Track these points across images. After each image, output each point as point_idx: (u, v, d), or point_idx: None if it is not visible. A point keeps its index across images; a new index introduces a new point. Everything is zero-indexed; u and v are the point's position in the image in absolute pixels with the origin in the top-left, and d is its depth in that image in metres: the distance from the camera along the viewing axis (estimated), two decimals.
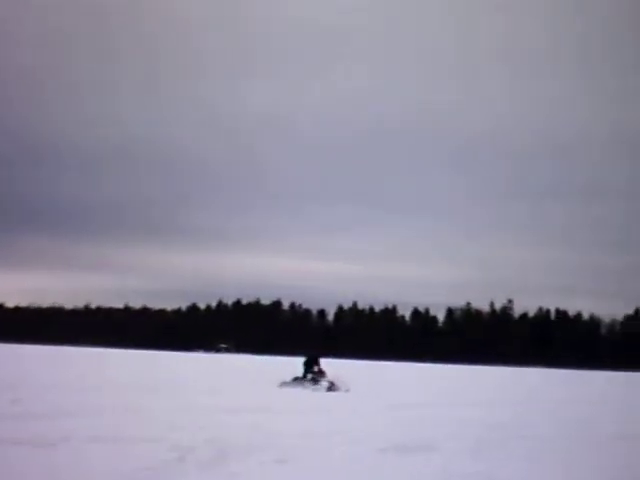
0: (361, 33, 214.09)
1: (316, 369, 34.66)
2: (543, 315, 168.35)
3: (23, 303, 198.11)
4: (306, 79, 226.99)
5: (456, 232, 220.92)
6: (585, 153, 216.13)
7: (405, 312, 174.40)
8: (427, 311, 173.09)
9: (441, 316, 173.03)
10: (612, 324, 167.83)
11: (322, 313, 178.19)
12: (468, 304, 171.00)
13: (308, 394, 29.64)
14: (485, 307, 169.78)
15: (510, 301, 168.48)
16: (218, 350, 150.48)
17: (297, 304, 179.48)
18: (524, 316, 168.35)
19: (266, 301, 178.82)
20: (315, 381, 33.56)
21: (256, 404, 22.49)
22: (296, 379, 33.97)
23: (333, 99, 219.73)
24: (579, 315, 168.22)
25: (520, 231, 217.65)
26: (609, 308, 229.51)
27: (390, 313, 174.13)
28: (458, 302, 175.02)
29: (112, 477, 10.09)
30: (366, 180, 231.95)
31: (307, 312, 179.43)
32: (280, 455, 12.23)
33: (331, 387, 32.31)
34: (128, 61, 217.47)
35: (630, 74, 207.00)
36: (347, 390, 31.78)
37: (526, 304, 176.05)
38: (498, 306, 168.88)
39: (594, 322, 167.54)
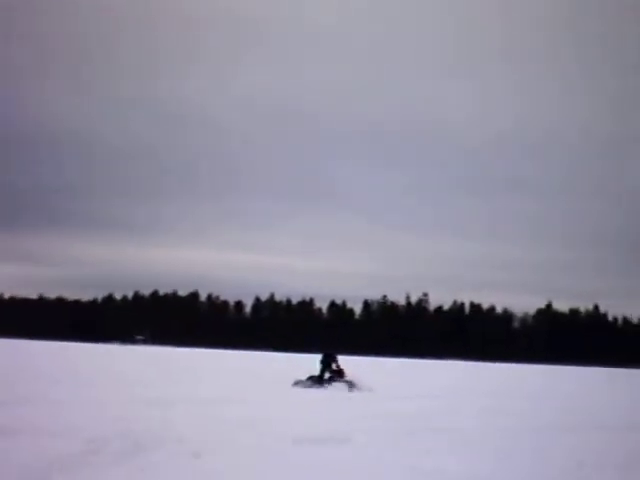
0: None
1: (334, 367, 31.85)
2: (457, 308, 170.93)
3: None
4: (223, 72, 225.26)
5: (373, 226, 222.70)
6: (504, 149, 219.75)
7: (322, 304, 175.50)
8: (344, 303, 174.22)
9: (358, 309, 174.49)
10: (524, 318, 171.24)
11: (239, 305, 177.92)
12: (384, 297, 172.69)
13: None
14: (401, 300, 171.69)
15: (425, 294, 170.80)
16: (134, 342, 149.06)
17: (214, 295, 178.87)
18: (439, 309, 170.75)
19: (183, 292, 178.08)
20: (332, 380, 31.12)
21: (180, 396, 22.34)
22: (311, 378, 31.50)
23: (247, 88, 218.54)
24: (492, 309, 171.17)
25: (436, 226, 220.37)
26: (522, 302, 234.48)
27: (307, 305, 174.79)
28: (375, 295, 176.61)
29: (22, 470, 9.93)
30: (286, 173, 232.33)
31: (225, 303, 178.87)
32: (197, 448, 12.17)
33: (351, 386, 30.12)
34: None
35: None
36: (370, 390, 29.49)
37: (441, 298, 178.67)
38: (414, 299, 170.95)
39: (507, 316, 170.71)
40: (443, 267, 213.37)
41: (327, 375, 31.56)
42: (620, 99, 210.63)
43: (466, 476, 10.92)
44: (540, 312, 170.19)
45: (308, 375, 31.64)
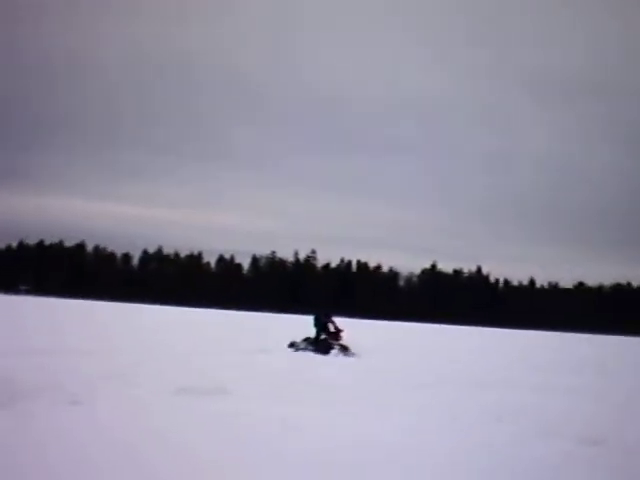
0: None
1: (332, 328, 29.11)
2: (345, 266, 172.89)
3: None
4: None
5: (263, 182, 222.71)
6: (391, 110, 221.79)
7: (210, 259, 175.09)
8: (232, 258, 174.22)
9: (246, 264, 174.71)
10: (410, 277, 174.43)
11: (127, 257, 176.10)
12: (273, 253, 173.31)
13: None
14: (289, 257, 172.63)
15: (314, 252, 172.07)
16: (18, 292, 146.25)
17: (101, 247, 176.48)
18: (327, 267, 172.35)
19: (69, 243, 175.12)
20: (328, 344, 28.47)
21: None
22: (307, 340, 28.94)
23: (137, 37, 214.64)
24: (379, 267, 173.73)
25: (325, 184, 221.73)
26: (408, 261, 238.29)
27: (195, 259, 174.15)
28: (263, 251, 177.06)
29: None
30: (178, 128, 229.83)
31: (112, 255, 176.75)
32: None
33: (346, 352, 27.84)
34: None
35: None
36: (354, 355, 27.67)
37: (329, 256, 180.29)
38: (302, 256, 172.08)
39: (392, 274, 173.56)
40: (330, 226, 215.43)
41: (323, 336, 29.04)
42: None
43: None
44: (425, 272, 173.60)
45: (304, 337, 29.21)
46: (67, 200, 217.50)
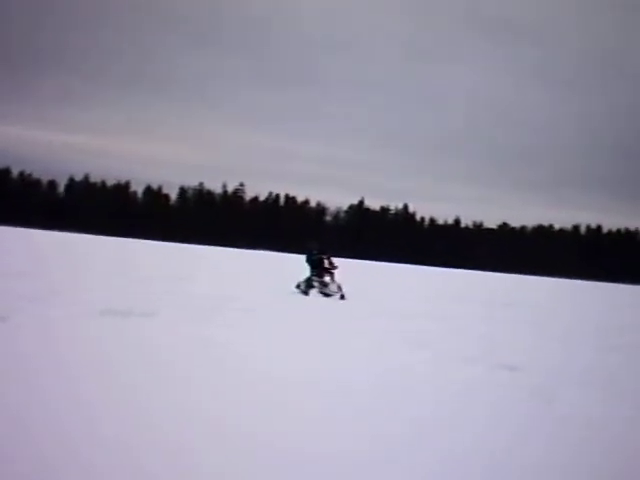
0: None
1: (326, 264, 26.86)
2: (273, 200, 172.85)
3: None
4: None
5: (194, 113, 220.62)
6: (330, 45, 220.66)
7: (138, 188, 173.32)
8: (160, 189, 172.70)
9: (174, 195, 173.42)
10: (337, 213, 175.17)
11: (53, 184, 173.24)
12: (201, 184, 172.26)
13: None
14: (218, 189, 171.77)
15: (242, 184, 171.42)
16: None
17: (27, 173, 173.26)
18: (255, 200, 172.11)
19: None
20: (324, 285, 26.38)
21: None
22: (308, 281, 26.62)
23: None
24: (306, 202, 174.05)
25: (254, 116, 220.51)
26: (337, 197, 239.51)
27: (122, 188, 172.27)
28: (191, 183, 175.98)
29: None
30: (113, 52, 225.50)
31: (37, 182, 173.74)
32: None
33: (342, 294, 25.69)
34: None
35: None
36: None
37: (257, 189, 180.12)
38: (230, 189, 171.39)
39: (320, 209, 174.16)
40: (259, 159, 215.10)
41: (318, 278, 26.66)
42: None
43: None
44: (352, 208, 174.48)
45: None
46: None
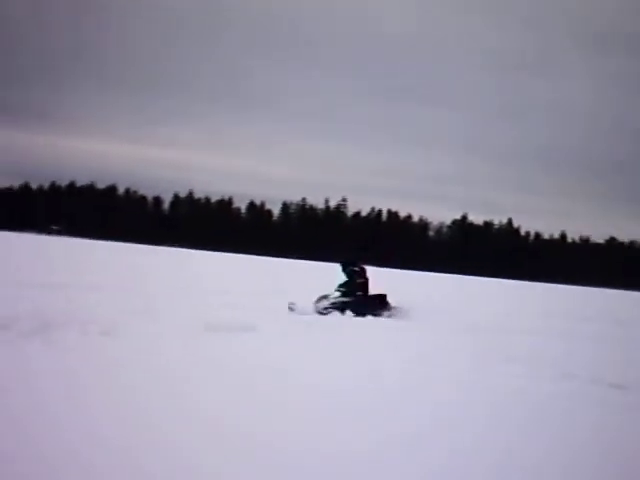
0: None
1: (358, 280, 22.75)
2: (375, 215, 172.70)
3: None
4: None
5: (295, 130, 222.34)
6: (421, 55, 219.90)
7: (241, 204, 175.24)
8: (263, 204, 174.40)
9: (277, 210, 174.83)
10: (440, 228, 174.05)
11: (158, 200, 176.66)
12: (303, 199, 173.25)
13: None
14: (320, 204, 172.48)
15: (344, 200, 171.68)
16: (50, 232, 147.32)
17: (132, 190, 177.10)
18: (357, 215, 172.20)
19: (101, 185, 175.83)
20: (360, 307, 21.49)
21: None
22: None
23: None
24: (409, 217, 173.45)
25: (358, 132, 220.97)
26: (438, 212, 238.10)
27: (226, 204, 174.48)
28: (293, 198, 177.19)
29: None
30: (207, 73, 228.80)
31: (143, 199, 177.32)
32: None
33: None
34: None
35: None
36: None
37: (360, 204, 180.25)
38: (332, 204, 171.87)
39: (423, 224, 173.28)
40: (362, 175, 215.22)
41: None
42: None
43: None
44: (455, 223, 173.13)
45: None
46: (100, 143, 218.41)
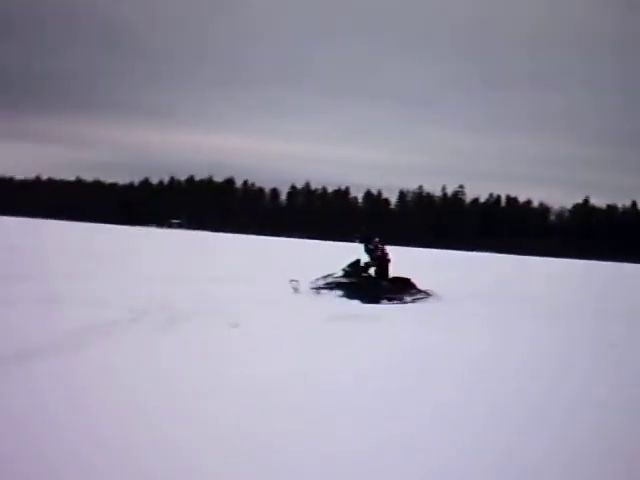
0: None
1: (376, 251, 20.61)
2: (494, 201, 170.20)
3: None
4: None
5: (410, 117, 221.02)
6: (546, 43, 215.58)
7: (358, 194, 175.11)
8: (379, 193, 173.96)
9: (393, 199, 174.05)
10: (561, 212, 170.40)
11: (275, 192, 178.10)
12: (420, 187, 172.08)
13: None
14: (437, 192, 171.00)
15: (461, 186, 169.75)
16: (170, 226, 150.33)
17: (250, 182, 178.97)
18: (475, 201, 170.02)
19: (219, 178, 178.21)
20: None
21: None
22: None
23: None
24: (528, 202, 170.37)
25: (474, 118, 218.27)
26: (559, 197, 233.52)
27: (342, 194, 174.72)
28: (410, 186, 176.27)
29: (68, 333, 10.35)
30: (320, 63, 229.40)
31: (260, 191, 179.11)
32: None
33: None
34: None
35: None
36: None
37: (477, 191, 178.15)
38: (449, 191, 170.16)
39: (543, 209, 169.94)
40: (480, 161, 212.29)
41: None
42: None
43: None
44: (577, 207, 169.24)
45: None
46: (217, 136, 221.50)
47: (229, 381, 8.18)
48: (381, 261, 20.41)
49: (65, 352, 9.02)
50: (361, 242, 21.20)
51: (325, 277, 19.70)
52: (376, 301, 18.57)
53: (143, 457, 5.60)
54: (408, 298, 19.15)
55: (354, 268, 19.93)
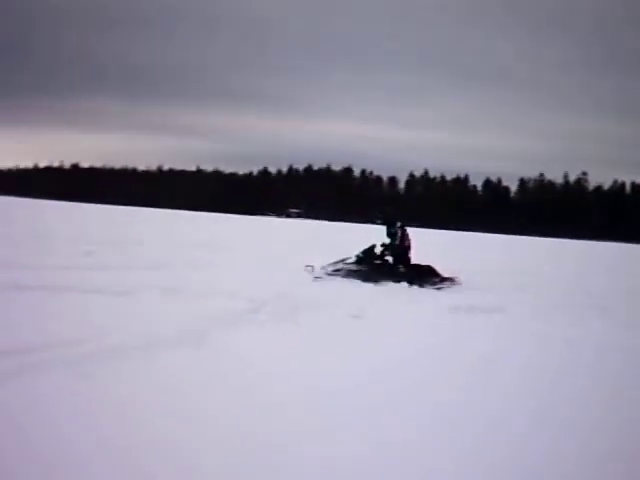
0: None
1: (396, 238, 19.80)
2: (618, 188, 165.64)
3: (97, 164, 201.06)
4: None
5: (531, 103, 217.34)
6: None
7: (477, 182, 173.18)
8: (499, 181, 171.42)
9: (514, 187, 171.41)
10: None
11: (393, 180, 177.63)
12: (541, 175, 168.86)
13: None
14: (559, 179, 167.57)
15: (585, 173, 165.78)
16: (289, 215, 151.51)
17: (368, 171, 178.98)
18: (598, 189, 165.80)
19: (337, 167, 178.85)
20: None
21: None
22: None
23: None
24: None
25: (598, 104, 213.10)
26: None
27: (462, 182, 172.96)
28: (531, 174, 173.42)
29: (188, 322, 10.44)
30: (436, 48, 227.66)
31: (378, 179, 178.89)
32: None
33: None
34: None
35: None
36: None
37: (601, 178, 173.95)
38: (572, 178, 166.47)
39: None
40: (604, 147, 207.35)
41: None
42: None
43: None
44: None
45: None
46: (334, 125, 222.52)
47: (358, 374, 8.09)
48: (401, 247, 19.72)
49: (190, 344, 9.05)
50: (383, 224, 20.41)
51: (335, 263, 19.21)
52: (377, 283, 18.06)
53: (294, 459, 5.53)
54: (430, 286, 18.46)
55: (367, 254, 19.43)
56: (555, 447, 6.07)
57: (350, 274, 18.67)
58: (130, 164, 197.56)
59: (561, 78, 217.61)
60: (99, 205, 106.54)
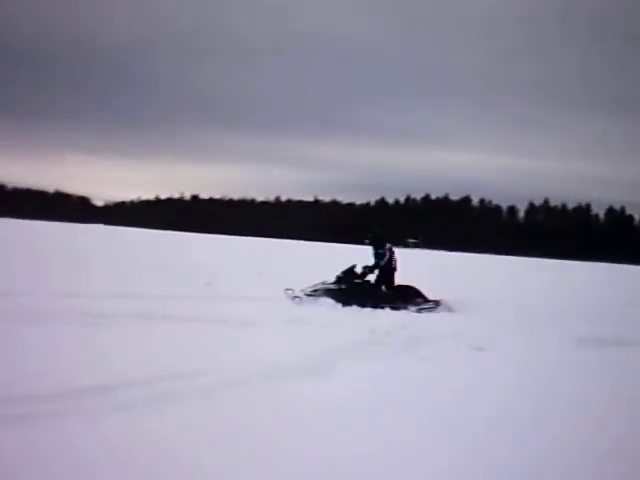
0: None
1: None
2: None
3: (216, 195, 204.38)
4: None
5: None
6: None
7: (599, 211, 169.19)
8: (623, 210, 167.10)
9: (637, 215, 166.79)
10: None
11: (512, 210, 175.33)
12: None
13: None
14: None
15: None
16: (407, 245, 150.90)
17: (487, 200, 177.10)
18: None
19: (455, 197, 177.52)
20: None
21: None
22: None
23: None
24: None
25: None
26: None
27: (583, 211, 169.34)
28: None
29: (310, 351, 10.53)
30: (555, 77, 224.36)
31: (497, 208, 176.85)
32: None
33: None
34: None
35: None
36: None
37: None
38: None
39: None
40: None
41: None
42: None
43: None
44: None
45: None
46: (452, 154, 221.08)
47: (482, 408, 7.99)
48: (385, 268, 19.49)
49: (313, 374, 9.09)
50: (371, 245, 20.19)
51: (316, 284, 18.82)
52: (374, 307, 17.82)
53: None
54: (412, 307, 18.20)
55: (347, 274, 19.09)
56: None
57: (327, 293, 18.41)
58: (248, 195, 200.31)
59: None
60: (219, 235, 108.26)
